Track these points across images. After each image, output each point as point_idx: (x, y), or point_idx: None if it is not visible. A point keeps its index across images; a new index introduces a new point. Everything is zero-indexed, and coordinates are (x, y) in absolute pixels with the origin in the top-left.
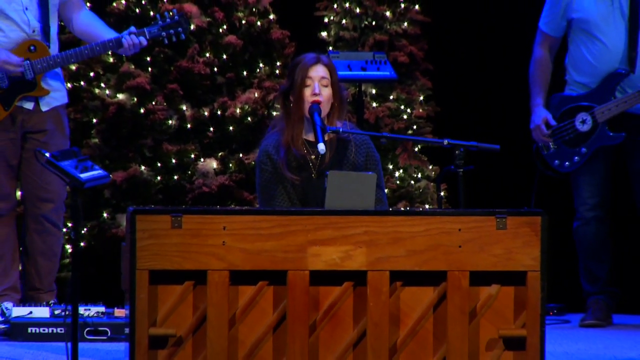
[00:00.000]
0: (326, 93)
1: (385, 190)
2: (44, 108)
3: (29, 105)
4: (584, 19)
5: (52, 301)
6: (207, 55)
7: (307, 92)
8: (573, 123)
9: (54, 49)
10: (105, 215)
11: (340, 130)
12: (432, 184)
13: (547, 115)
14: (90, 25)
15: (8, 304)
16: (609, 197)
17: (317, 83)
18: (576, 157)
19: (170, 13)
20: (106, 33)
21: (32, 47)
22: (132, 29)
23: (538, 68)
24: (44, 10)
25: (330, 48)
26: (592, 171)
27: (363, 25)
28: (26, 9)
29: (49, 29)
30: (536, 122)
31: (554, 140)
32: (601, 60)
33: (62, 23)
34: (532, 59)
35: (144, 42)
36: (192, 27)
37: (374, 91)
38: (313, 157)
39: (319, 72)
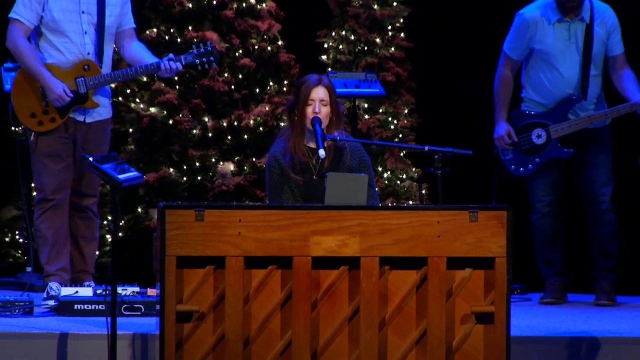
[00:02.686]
0: (325, 111)
1: (376, 189)
2: (88, 120)
3: (80, 117)
4: (544, 51)
5: (88, 282)
6: (226, 75)
7: (309, 109)
8: (530, 137)
9: (105, 69)
10: (139, 209)
11: (338, 138)
12: (415, 183)
13: (510, 129)
14: (139, 53)
15: (54, 285)
16: (561, 195)
17: (318, 103)
18: (530, 165)
19: (204, 44)
20: (150, 59)
21: (86, 67)
22: (171, 55)
23: (502, 86)
24: (99, 36)
25: (329, 69)
26: (546, 174)
27: (357, 50)
28: (85, 33)
29: (103, 52)
30: (500, 133)
31: (513, 149)
32: (557, 87)
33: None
34: (496, 77)
35: (180, 67)
36: None
37: (366, 105)
38: (314, 161)
39: (319, 93)
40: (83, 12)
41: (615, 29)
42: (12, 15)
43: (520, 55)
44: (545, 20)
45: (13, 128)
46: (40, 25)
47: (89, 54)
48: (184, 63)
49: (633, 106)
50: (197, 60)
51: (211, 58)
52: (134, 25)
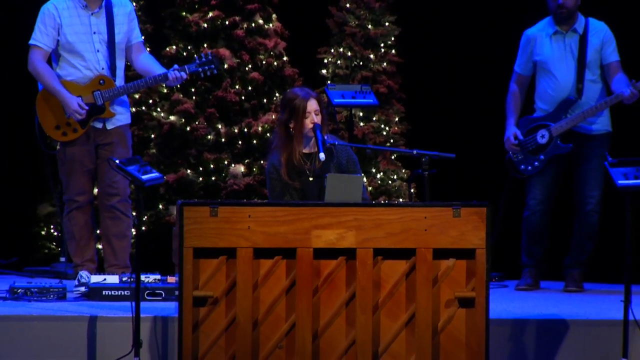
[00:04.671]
0: (319, 119)
1: (369, 188)
2: (109, 127)
3: (99, 125)
4: (543, 61)
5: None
6: (237, 87)
7: (307, 121)
8: (535, 137)
9: (119, 81)
10: (160, 206)
11: (336, 143)
12: (404, 183)
13: (517, 131)
14: (147, 65)
15: (84, 273)
16: (554, 196)
17: (314, 114)
18: (536, 162)
19: (206, 54)
20: (158, 70)
21: (101, 81)
22: (176, 66)
23: (512, 98)
24: (111, 52)
25: (329, 82)
26: (544, 175)
27: (353, 64)
28: (97, 51)
29: (115, 67)
30: (507, 135)
31: (521, 151)
32: (556, 91)
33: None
34: (508, 93)
35: (185, 76)
36: (225, 66)
37: (361, 114)
38: (308, 164)
39: (313, 105)
40: (94, 33)
41: (609, 40)
42: (31, 41)
43: (526, 69)
44: (544, 33)
45: (48, 135)
46: (58, 47)
47: (102, 69)
48: (188, 72)
49: (618, 97)
50: (199, 69)
51: (212, 66)
52: (141, 39)
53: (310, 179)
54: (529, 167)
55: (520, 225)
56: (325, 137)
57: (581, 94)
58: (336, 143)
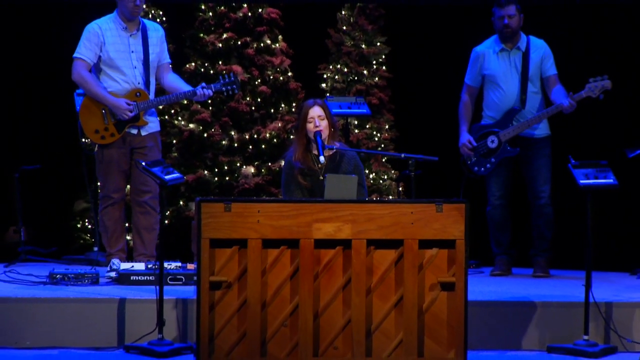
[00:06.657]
0: (324, 124)
1: (366, 187)
2: (143, 133)
3: (134, 131)
4: (491, 75)
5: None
6: (248, 99)
7: (310, 126)
8: (486, 142)
9: (151, 95)
10: (181, 203)
11: (334, 148)
12: (393, 182)
13: (470, 138)
14: (174, 82)
15: (115, 261)
16: (510, 191)
17: (317, 119)
18: (488, 165)
19: (229, 75)
20: (185, 87)
21: (137, 94)
22: (203, 84)
23: (463, 108)
24: (146, 69)
25: (327, 94)
26: (498, 174)
27: (349, 79)
28: (135, 67)
29: (149, 82)
30: (462, 142)
31: (474, 154)
32: (502, 101)
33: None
34: (460, 103)
35: (211, 93)
36: None
37: (356, 122)
38: (320, 165)
39: (316, 111)
40: (132, 52)
41: (547, 56)
42: (75, 54)
43: (476, 81)
44: (491, 50)
45: (83, 140)
46: (99, 62)
47: (139, 83)
48: (213, 90)
49: (558, 107)
50: (223, 88)
51: (234, 86)
52: (169, 60)
53: (321, 178)
54: (482, 169)
55: (482, 219)
56: (338, 145)
57: (525, 104)
58: (334, 148)
